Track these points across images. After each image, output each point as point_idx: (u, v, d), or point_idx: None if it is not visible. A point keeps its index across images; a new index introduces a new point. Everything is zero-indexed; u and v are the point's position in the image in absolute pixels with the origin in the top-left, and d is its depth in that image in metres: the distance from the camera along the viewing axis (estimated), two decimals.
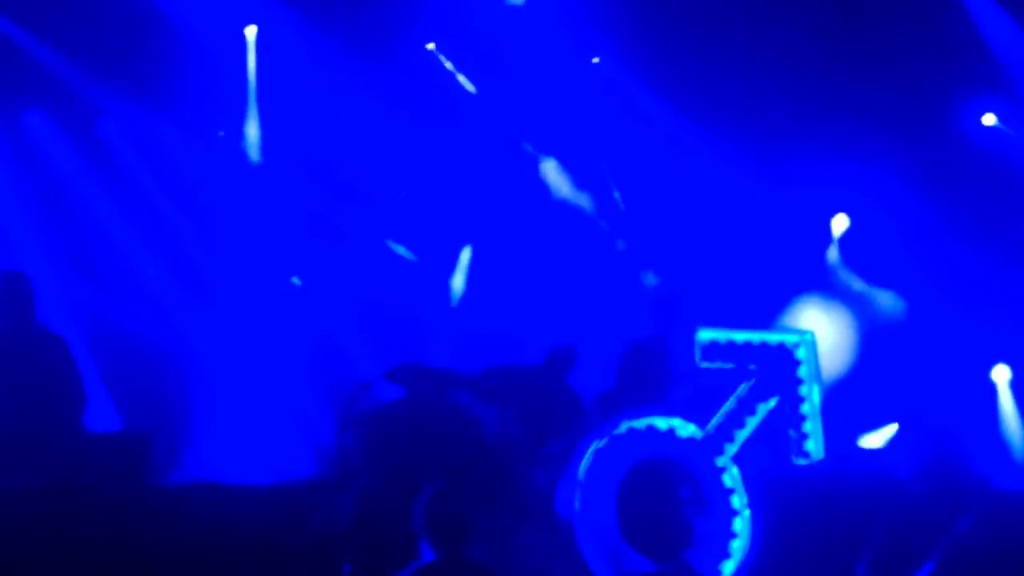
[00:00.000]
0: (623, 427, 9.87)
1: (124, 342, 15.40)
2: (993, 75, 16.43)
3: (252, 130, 16.41)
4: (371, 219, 16.49)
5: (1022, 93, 16.48)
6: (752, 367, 10.24)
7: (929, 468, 10.96)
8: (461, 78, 16.62)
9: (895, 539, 10.29)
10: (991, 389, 16.24)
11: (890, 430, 13.78)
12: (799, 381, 10.33)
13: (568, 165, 16.94)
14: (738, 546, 9.74)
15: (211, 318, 15.79)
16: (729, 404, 10.16)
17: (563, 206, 16.91)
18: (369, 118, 16.24)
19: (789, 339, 10.43)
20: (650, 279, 15.82)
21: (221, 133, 16.27)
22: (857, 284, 16.51)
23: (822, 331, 12.10)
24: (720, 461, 9.92)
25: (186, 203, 16.09)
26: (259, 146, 16.38)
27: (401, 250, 16.43)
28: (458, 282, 16.72)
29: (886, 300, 16.42)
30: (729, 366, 10.27)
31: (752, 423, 10.16)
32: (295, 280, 16.09)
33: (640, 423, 9.92)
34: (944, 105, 16.31)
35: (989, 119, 16.66)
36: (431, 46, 16.67)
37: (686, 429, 9.96)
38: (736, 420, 10.13)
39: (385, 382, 11.78)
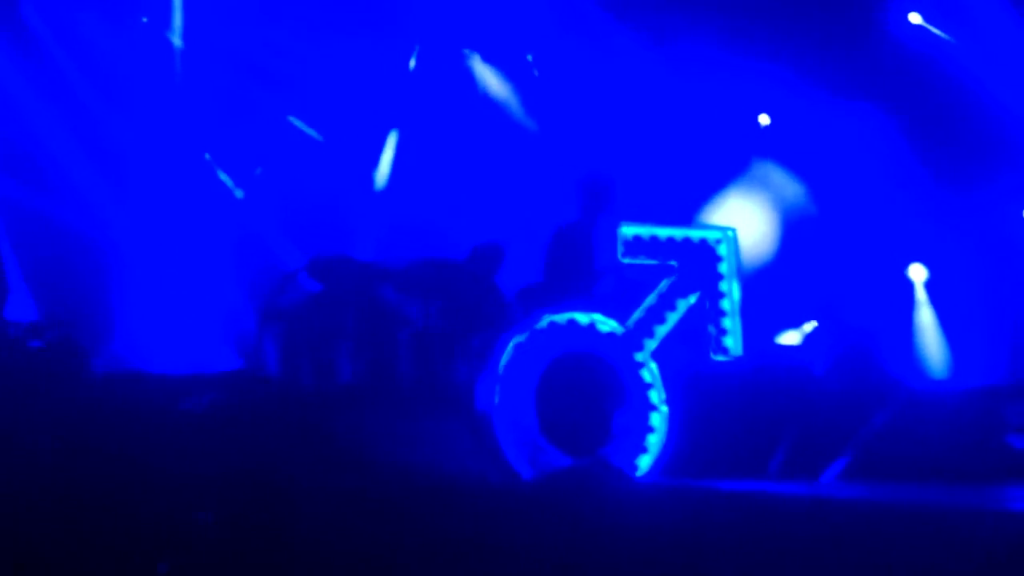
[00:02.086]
0: (544, 321, 9.90)
1: (44, 232, 15.26)
2: None
3: (176, 16, 16.21)
4: (294, 105, 16.36)
5: None
6: (674, 263, 10.28)
7: (843, 365, 11.12)
8: None
9: (810, 434, 10.44)
10: (908, 287, 16.40)
11: (808, 327, 13.89)
12: (720, 277, 10.38)
13: (494, 58, 16.86)
14: (655, 441, 9.84)
15: (133, 208, 15.66)
16: (650, 299, 10.21)
17: (489, 100, 16.84)
18: (296, 5, 16.09)
19: (711, 235, 10.48)
20: (574, 175, 15.83)
21: (144, 19, 16.06)
22: (779, 181, 16.56)
23: (743, 227, 12.10)
24: (639, 356, 9.99)
25: (109, 90, 15.89)
26: (182, 31, 16.19)
27: (305, 128, 16.30)
28: (383, 173, 16.65)
29: (800, 195, 16.48)
30: (651, 262, 10.30)
31: (672, 319, 10.22)
32: (238, 193, 16.02)
33: (561, 317, 9.95)
34: (869, 3, 16.31)
35: (914, 18, 16.69)
36: None
37: (607, 324, 10.01)
38: (657, 316, 10.20)
39: (307, 275, 11.77)
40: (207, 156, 15.95)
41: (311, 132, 16.31)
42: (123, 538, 7.20)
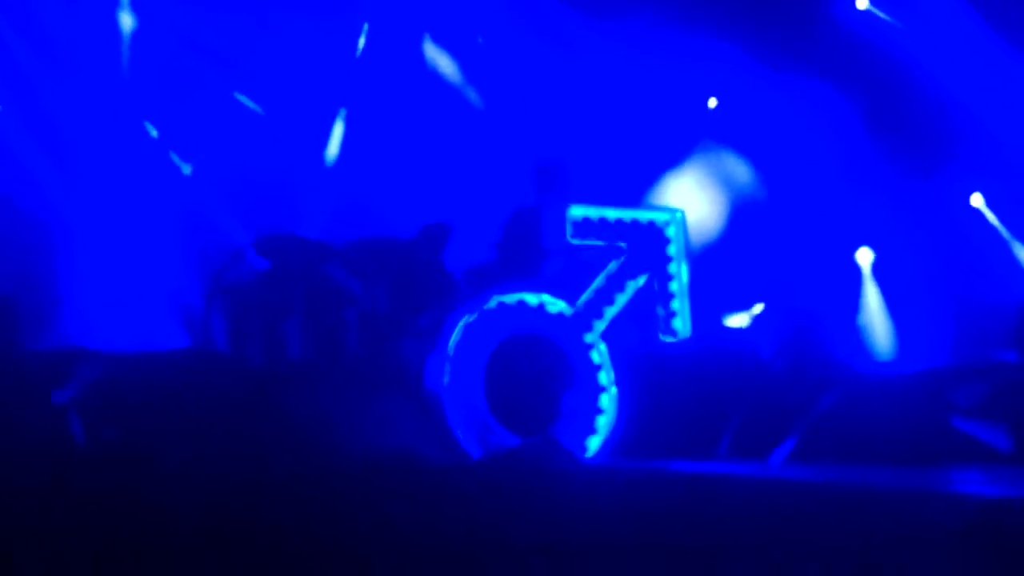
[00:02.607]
0: (493, 302, 9.90)
1: None
2: None
3: None
4: (243, 83, 16.30)
5: None
6: (622, 244, 10.30)
7: (790, 348, 11.17)
8: None
9: (758, 416, 10.48)
10: (855, 271, 16.50)
11: (756, 309, 13.97)
12: (668, 259, 10.41)
13: (443, 38, 16.84)
14: (604, 422, 9.86)
15: (79, 185, 15.57)
16: (599, 281, 10.23)
17: (438, 80, 16.83)
18: None
19: (659, 217, 10.50)
20: (523, 155, 15.83)
21: None
22: (727, 163, 16.62)
23: (692, 209, 12.15)
24: (588, 337, 10.01)
25: (55, 67, 15.78)
26: (131, 9, 16.08)
27: (249, 103, 16.23)
28: (332, 151, 16.61)
29: (748, 177, 16.55)
30: (600, 243, 10.32)
31: (621, 300, 10.24)
32: (186, 169, 15.95)
33: (510, 298, 9.95)
34: None
35: (862, 3, 16.77)
36: None
37: (556, 305, 10.02)
38: (605, 297, 10.21)
39: (256, 252, 11.74)
40: (154, 133, 15.87)
41: (254, 107, 16.24)
42: (61, 516, 7.14)
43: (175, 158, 16.01)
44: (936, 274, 15.94)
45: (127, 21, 15.99)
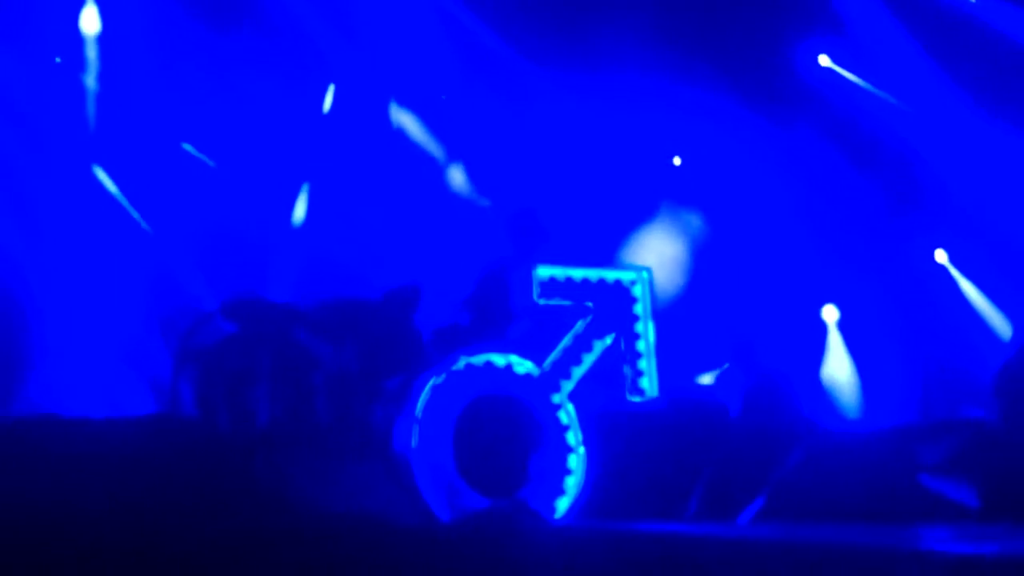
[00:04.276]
0: (461, 363, 9.92)
1: None
2: (829, 16, 16.64)
3: (91, 56, 16.12)
4: (210, 142, 16.31)
5: (856, 35, 16.72)
6: (589, 304, 10.34)
7: (757, 405, 11.21)
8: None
9: (726, 475, 10.50)
10: (821, 328, 16.56)
11: (721, 369, 14.01)
12: (635, 318, 10.45)
13: (409, 100, 16.90)
14: (573, 483, 9.87)
15: (45, 251, 15.53)
16: (566, 341, 10.26)
17: (405, 140, 16.88)
18: (211, 52, 16.03)
19: (626, 276, 10.55)
20: (491, 214, 15.87)
21: (58, 59, 15.96)
22: (693, 221, 16.68)
23: (658, 268, 12.20)
24: (556, 398, 10.03)
25: (20, 130, 15.77)
26: (97, 72, 16.10)
27: (197, 153, 16.23)
28: (299, 211, 16.62)
29: (713, 235, 16.61)
30: (567, 303, 10.35)
31: (588, 360, 10.28)
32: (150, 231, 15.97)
33: (478, 359, 9.98)
34: (780, 45, 16.50)
35: (824, 60, 16.90)
36: None
37: (523, 366, 10.05)
38: (573, 357, 10.25)
39: (222, 316, 11.72)
40: (121, 197, 15.87)
41: (208, 162, 16.21)
42: None
43: (142, 222, 15.99)
44: (902, 331, 16.01)
45: (92, 83, 16.00)
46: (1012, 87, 15.83)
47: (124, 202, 15.92)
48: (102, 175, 15.88)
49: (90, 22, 16.03)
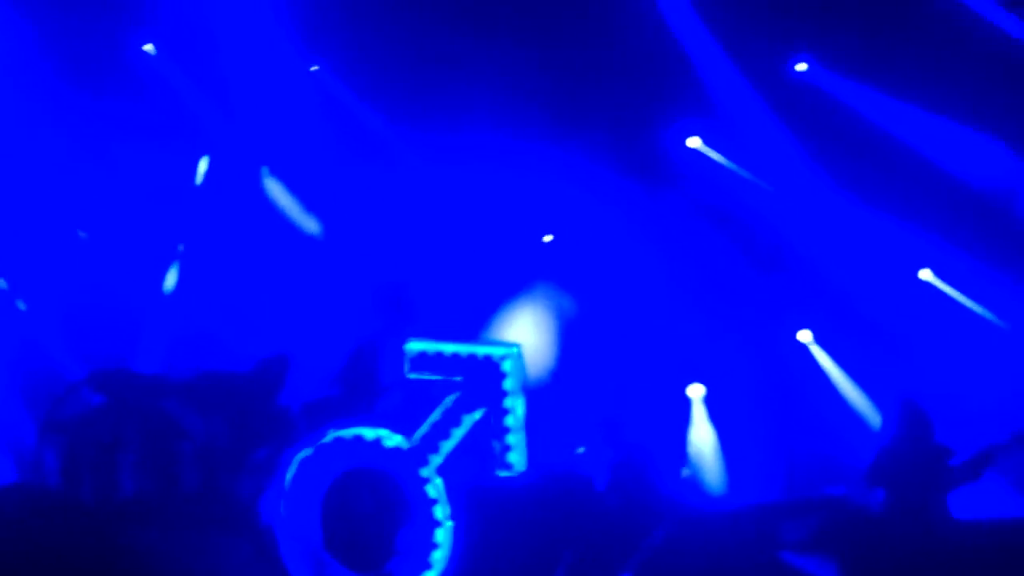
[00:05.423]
0: (330, 436, 9.92)
1: None
2: (698, 99, 16.88)
3: None
4: (80, 214, 16.18)
5: (726, 116, 16.96)
6: (459, 378, 10.38)
7: (622, 482, 11.30)
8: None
9: (592, 549, 10.57)
10: (686, 405, 16.69)
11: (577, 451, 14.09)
12: (505, 393, 10.50)
13: (284, 173, 16.90)
14: (439, 557, 9.88)
15: None
16: (435, 415, 10.29)
17: (276, 211, 16.86)
18: (83, 118, 15.95)
19: (496, 352, 10.60)
20: (362, 288, 15.88)
21: None
22: (561, 298, 16.78)
23: (528, 343, 12.27)
24: (424, 472, 10.05)
25: None
26: None
27: (80, 232, 16.11)
28: (169, 282, 16.53)
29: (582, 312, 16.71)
30: (437, 377, 10.38)
31: (458, 434, 10.30)
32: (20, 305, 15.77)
33: (347, 432, 9.98)
34: (651, 124, 16.69)
35: (694, 141, 17.10)
36: (149, 47, 16.50)
37: (392, 439, 10.06)
38: (442, 431, 10.27)
39: (89, 386, 11.61)
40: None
41: (81, 233, 16.09)
42: None
43: (8, 290, 15.82)
44: (766, 410, 16.19)
45: None
46: (875, 170, 16.16)
47: None
48: None
49: None
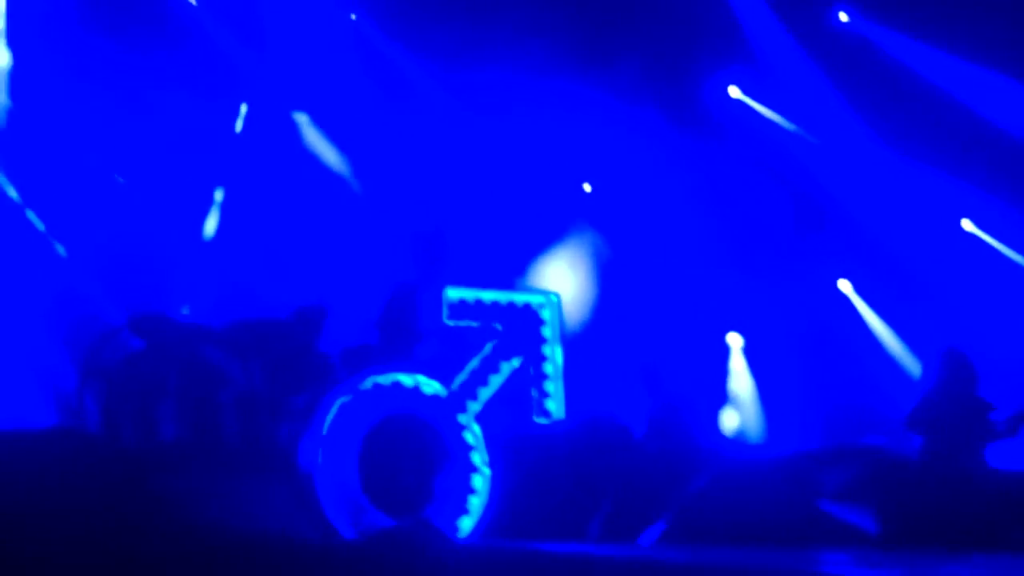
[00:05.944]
0: (368, 382, 9.92)
1: None
2: (739, 47, 16.83)
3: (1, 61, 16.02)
4: (121, 160, 16.22)
5: (767, 66, 16.90)
6: (498, 326, 10.37)
7: (661, 429, 11.31)
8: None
9: (629, 497, 10.59)
10: (724, 354, 16.69)
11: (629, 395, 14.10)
12: (543, 341, 10.48)
13: (322, 120, 16.91)
14: (477, 503, 9.89)
15: None
16: (474, 362, 10.28)
17: (316, 159, 16.87)
18: (121, 68, 15.97)
19: (535, 299, 10.58)
20: (401, 236, 15.88)
21: None
22: (601, 246, 16.78)
23: (566, 291, 12.26)
24: (463, 419, 10.06)
25: None
26: (7, 87, 16.00)
27: (117, 177, 16.14)
28: (209, 228, 16.57)
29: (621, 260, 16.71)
30: (475, 324, 10.38)
31: (496, 382, 10.30)
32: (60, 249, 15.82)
33: (386, 379, 9.98)
34: (692, 73, 16.65)
35: (734, 91, 17.06)
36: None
37: (431, 386, 10.07)
38: (480, 378, 10.27)
39: (129, 332, 11.66)
40: (29, 212, 15.75)
41: (119, 178, 16.13)
42: None
43: (49, 236, 15.88)
44: (805, 359, 16.18)
45: (3, 98, 15.88)
46: (915, 121, 16.07)
47: (32, 216, 15.81)
48: (9, 189, 15.76)
49: None
